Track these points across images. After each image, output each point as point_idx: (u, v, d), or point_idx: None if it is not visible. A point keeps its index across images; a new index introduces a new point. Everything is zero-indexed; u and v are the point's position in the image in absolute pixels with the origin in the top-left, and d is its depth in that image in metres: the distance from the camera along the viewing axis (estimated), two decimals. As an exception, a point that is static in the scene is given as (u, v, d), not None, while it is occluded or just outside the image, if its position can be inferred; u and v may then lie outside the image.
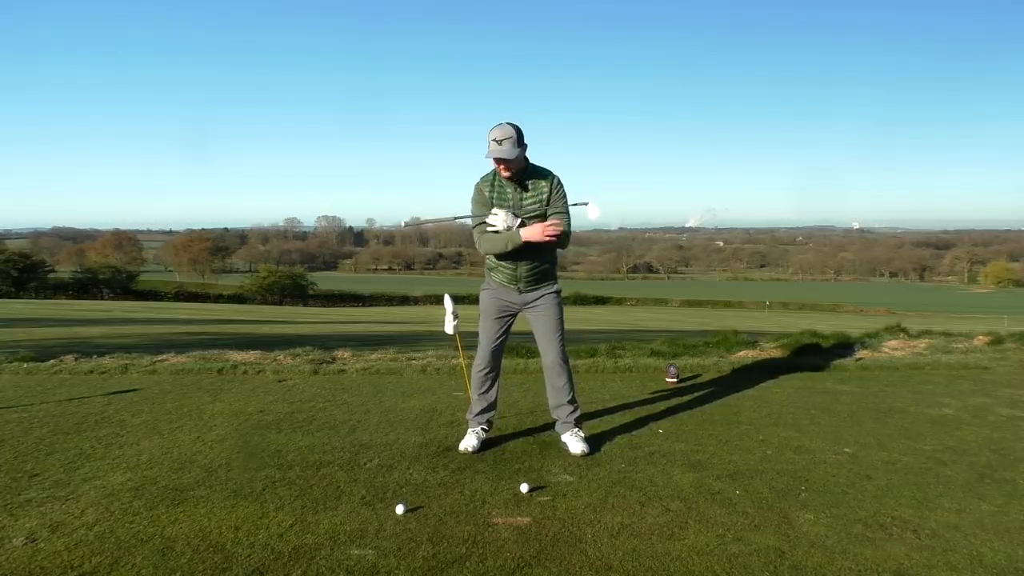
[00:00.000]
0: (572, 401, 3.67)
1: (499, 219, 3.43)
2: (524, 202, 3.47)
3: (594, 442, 3.72)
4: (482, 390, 3.70)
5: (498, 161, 3.36)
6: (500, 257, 3.55)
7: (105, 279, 66.19)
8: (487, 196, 3.50)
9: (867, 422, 4.24)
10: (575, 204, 3.61)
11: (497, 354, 3.70)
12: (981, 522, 2.75)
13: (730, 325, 16.73)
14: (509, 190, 3.47)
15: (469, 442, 3.60)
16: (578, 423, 3.68)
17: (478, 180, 3.56)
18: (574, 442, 3.58)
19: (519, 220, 3.43)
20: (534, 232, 3.38)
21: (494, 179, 3.50)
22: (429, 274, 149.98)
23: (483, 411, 3.70)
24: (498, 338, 3.67)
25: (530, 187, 3.46)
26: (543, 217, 3.49)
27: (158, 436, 3.85)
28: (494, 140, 3.32)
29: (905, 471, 3.34)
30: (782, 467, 3.38)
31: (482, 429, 3.69)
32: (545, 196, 3.47)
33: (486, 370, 3.68)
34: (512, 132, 3.31)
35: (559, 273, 3.77)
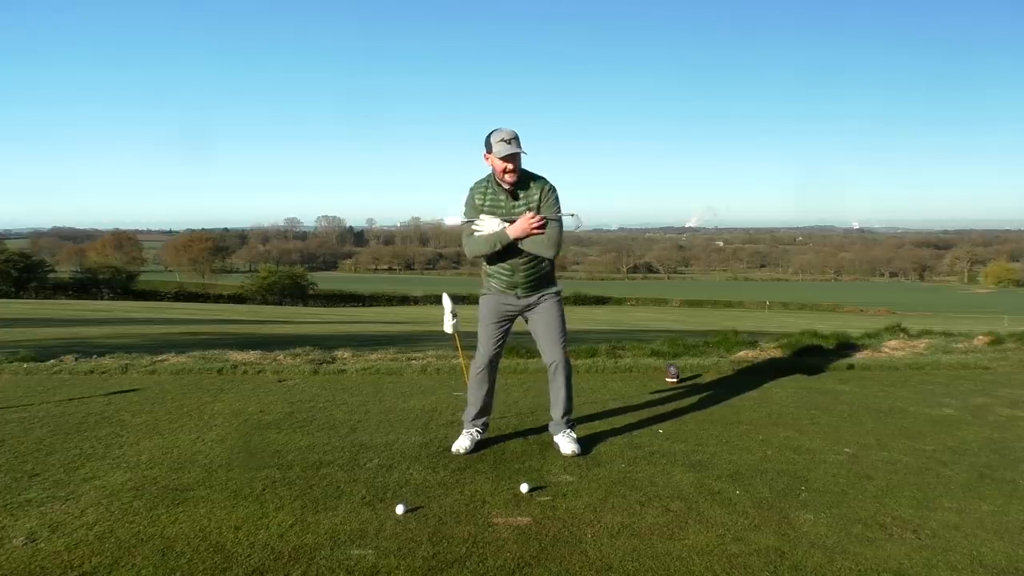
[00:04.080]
0: (568, 402, 3.66)
1: (486, 224, 3.40)
2: (516, 210, 3.42)
3: (594, 442, 3.73)
4: (479, 393, 3.69)
5: (507, 159, 3.29)
6: (496, 262, 3.50)
7: (105, 279, 66.25)
8: (478, 204, 3.46)
9: (867, 422, 4.23)
10: (563, 215, 3.45)
11: (495, 359, 3.69)
12: (981, 522, 2.75)
13: (730, 325, 16.73)
14: (502, 197, 3.43)
15: (462, 443, 3.60)
16: (571, 424, 3.69)
17: (472, 184, 3.53)
18: (566, 443, 3.58)
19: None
20: (519, 227, 3.35)
21: (487, 186, 3.47)
22: (429, 274, 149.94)
23: (479, 415, 3.70)
24: (497, 344, 3.67)
25: (521, 195, 3.42)
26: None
27: (158, 436, 3.85)
28: (502, 140, 3.28)
29: (905, 471, 3.34)
30: (782, 467, 3.38)
31: (476, 431, 3.68)
32: (535, 202, 3.41)
33: (483, 375, 3.67)
34: (516, 134, 3.31)
35: (559, 273, 3.76)
